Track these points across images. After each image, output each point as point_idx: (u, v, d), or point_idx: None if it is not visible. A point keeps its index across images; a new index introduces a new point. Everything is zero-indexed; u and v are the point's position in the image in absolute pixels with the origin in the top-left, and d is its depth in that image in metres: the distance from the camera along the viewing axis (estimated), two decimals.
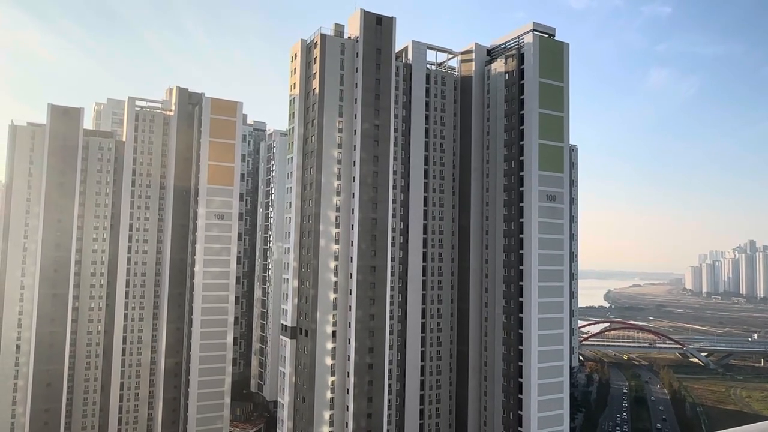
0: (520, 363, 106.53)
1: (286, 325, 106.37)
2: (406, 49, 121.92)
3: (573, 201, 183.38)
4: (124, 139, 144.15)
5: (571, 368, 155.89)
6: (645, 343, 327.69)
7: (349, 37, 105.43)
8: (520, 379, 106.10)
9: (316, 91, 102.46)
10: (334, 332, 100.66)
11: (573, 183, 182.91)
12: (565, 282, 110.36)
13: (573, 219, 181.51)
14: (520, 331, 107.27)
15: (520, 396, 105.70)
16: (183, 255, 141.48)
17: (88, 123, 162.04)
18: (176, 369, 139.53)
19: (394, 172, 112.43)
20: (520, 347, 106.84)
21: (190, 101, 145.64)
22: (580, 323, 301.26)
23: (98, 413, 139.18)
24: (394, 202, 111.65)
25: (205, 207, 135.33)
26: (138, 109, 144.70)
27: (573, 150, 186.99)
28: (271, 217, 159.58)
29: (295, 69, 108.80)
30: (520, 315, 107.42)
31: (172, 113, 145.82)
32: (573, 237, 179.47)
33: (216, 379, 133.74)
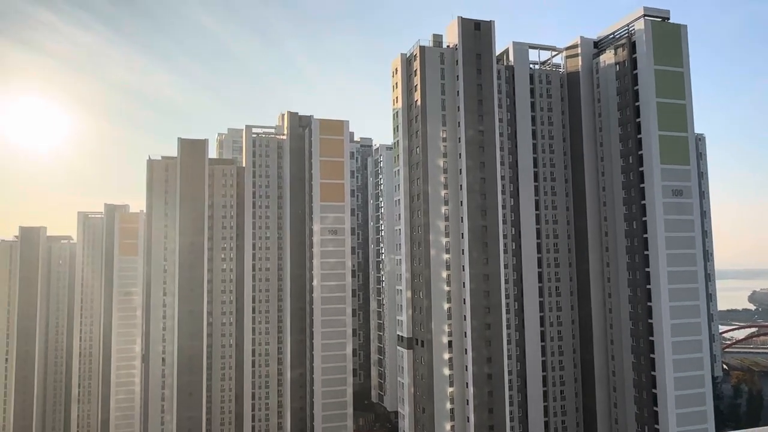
0: (652, 372, 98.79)
1: (402, 336, 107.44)
2: (507, 51, 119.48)
3: (703, 195, 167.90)
4: (243, 165, 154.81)
5: (714, 378, 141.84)
6: None
7: (448, 46, 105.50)
8: (654, 390, 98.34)
9: (418, 102, 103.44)
10: (450, 342, 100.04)
11: (702, 175, 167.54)
12: (700, 283, 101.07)
13: (705, 214, 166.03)
14: (650, 338, 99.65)
15: (655, 408, 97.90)
16: (301, 270, 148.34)
17: (212, 152, 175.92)
18: (301, 380, 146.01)
19: (502, 178, 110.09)
20: (651, 355, 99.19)
21: (300, 124, 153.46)
22: (722, 328, 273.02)
23: (234, 421, 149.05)
24: (503, 208, 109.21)
25: (319, 224, 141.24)
26: (254, 135, 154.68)
27: (700, 139, 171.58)
28: (381, 230, 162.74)
29: (396, 83, 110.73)
30: (650, 321, 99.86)
31: (284, 137, 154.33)
32: (706, 234, 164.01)
33: (338, 390, 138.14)
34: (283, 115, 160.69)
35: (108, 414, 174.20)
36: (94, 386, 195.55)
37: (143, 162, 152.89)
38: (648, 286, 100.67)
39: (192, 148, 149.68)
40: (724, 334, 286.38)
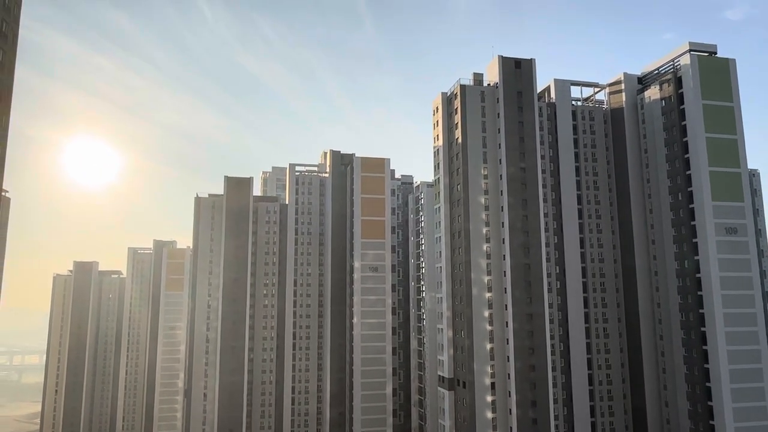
0: (711, 422, 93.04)
1: (443, 377, 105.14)
2: (548, 88, 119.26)
3: (760, 233, 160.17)
4: (287, 202, 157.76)
5: None
6: None
7: (489, 84, 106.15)
8: None
9: (459, 140, 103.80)
10: (493, 384, 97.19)
11: (757, 212, 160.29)
12: (760, 327, 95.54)
13: (762, 254, 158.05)
14: (707, 384, 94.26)
15: None
16: (342, 307, 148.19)
17: (256, 190, 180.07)
18: (340, 419, 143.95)
19: (546, 215, 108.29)
20: (709, 403, 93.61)
21: (342, 162, 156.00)
22: None
23: None
24: (547, 245, 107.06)
25: (360, 260, 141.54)
26: (298, 173, 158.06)
27: (754, 175, 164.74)
28: (422, 268, 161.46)
29: (437, 122, 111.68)
30: (706, 365, 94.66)
31: (327, 175, 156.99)
32: (765, 274, 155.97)
33: (378, 431, 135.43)
34: (325, 153, 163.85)
35: None
36: (138, 420, 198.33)
37: (191, 200, 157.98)
38: (702, 329, 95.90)
39: (238, 185, 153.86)
40: None
